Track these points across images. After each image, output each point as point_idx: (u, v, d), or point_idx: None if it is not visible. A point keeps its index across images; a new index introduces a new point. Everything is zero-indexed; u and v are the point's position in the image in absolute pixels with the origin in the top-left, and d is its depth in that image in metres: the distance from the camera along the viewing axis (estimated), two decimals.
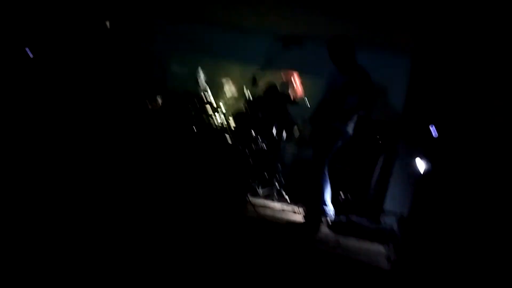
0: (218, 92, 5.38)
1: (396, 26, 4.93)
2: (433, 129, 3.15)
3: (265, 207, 4.30)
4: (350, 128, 3.90)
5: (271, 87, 5.25)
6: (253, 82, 4.79)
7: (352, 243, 3.70)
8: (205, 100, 4.93)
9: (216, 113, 5.00)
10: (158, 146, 4.54)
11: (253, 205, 4.14)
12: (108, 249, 2.55)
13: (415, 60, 4.50)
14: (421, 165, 3.27)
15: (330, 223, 3.99)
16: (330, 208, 4.02)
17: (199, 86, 4.95)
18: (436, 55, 4.04)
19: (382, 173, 4.60)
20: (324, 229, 3.92)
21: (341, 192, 4.41)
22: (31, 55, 4.86)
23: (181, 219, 3.31)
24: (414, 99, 4.17)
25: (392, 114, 4.96)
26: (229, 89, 5.34)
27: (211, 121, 4.94)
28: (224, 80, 5.41)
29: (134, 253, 2.59)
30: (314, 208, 3.95)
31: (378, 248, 3.67)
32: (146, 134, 4.62)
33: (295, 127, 5.00)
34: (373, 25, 5.06)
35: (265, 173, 4.80)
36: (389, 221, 4.11)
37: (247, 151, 4.56)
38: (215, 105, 4.97)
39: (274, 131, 4.85)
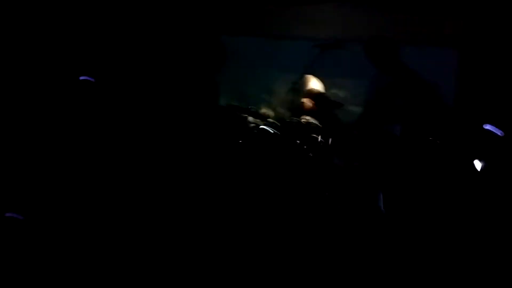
0: (262, 103, 5.40)
1: (441, 17, 4.68)
2: (493, 128, 2.95)
3: (314, 215, 4.21)
4: (398, 130, 3.76)
5: (313, 94, 5.20)
6: (295, 90, 4.74)
7: None
8: (253, 112, 4.95)
9: (264, 125, 5.00)
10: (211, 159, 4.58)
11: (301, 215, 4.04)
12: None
13: (464, 52, 4.27)
14: (479, 166, 3.08)
15: None
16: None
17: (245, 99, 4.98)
18: (488, 45, 3.84)
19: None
20: None
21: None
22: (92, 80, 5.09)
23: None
24: (466, 95, 3.96)
25: (443, 112, 4.73)
26: (274, 99, 5.34)
27: (261, 132, 4.94)
28: (267, 91, 5.42)
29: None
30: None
31: None
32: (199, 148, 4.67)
33: (343, 134, 4.89)
34: (416, 20, 4.86)
35: (315, 184, 4.71)
36: None
37: (296, 161, 4.51)
38: (262, 116, 4.97)
39: (319, 138, 4.77)
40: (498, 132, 2.88)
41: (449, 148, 4.32)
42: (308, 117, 4.73)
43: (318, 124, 4.79)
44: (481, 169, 3.21)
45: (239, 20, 5.82)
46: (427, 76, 4.67)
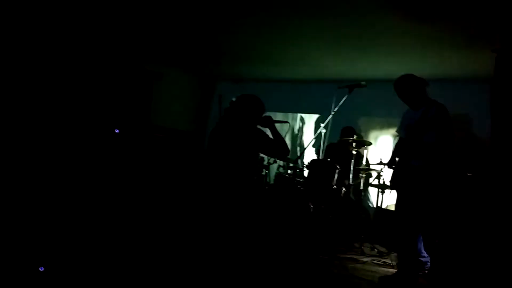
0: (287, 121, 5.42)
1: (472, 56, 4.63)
2: None
3: (353, 261, 4.05)
4: (433, 167, 3.61)
5: (345, 133, 5.17)
6: (323, 130, 4.72)
7: None
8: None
9: (291, 168, 4.98)
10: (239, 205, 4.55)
11: (341, 261, 3.89)
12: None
13: (495, 88, 4.18)
14: None
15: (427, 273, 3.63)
16: (426, 257, 3.68)
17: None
18: None
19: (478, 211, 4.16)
20: (421, 281, 3.56)
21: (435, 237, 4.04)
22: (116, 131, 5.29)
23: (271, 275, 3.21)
24: (500, 128, 3.83)
25: (476, 146, 4.59)
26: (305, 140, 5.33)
27: (287, 175, 4.92)
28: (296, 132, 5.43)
29: None
30: (409, 260, 3.62)
31: None
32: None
33: (373, 172, 4.81)
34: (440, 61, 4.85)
35: (349, 225, 4.58)
36: None
37: (327, 205, 4.41)
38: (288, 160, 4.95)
39: (350, 179, 4.67)
40: None
41: (486, 182, 4.14)
42: (337, 157, 4.69)
43: (347, 164, 4.74)
44: None
45: (266, 66, 6.01)
46: (458, 110, 4.60)
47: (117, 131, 5.32)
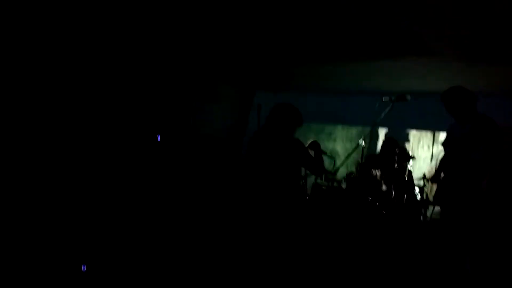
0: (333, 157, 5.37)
1: None
2: None
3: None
4: (484, 184, 3.48)
5: (387, 146, 5.06)
6: (366, 142, 4.65)
7: None
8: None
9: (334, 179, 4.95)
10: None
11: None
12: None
13: None
14: None
15: None
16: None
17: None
18: None
19: None
20: None
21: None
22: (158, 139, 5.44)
23: None
24: None
25: None
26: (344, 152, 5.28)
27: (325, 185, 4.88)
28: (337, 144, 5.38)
29: None
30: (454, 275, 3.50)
31: None
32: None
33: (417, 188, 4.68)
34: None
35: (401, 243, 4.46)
36: None
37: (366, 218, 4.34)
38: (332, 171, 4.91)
39: (393, 193, 4.57)
40: None
41: None
42: (378, 172, 4.59)
43: (391, 178, 4.63)
44: None
45: (309, 78, 6.00)
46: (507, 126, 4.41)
47: (158, 138, 5.46)
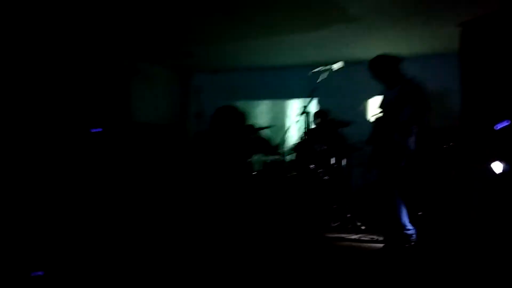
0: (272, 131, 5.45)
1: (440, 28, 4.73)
2: (502, 124, 2.91)
3: (341, 240, 4.16)
4: (411, 142, 3.72)
5: (320, 115, 5.24)
6: (302, 115, 4.77)
7: None
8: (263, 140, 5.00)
9: (274, 152, 5.04)
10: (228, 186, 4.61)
11: (328, 240, 4.00)
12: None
13: (464, 61, 4.29)
14: (498, 167, 3.02)
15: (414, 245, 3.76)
16: (411, 230, 3.80)
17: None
18: (483, 52, 3.87)
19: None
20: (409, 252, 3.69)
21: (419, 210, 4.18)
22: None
23: (258, 255, 3.29)
24: (470, 100, 3.95)
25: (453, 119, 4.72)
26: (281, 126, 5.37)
27: (271, 160, 4.98)
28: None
29: None
30: (394, 233, 3.74)
31: None
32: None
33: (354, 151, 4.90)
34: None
35: (335, 205, 4.68)
36: None
37: (311, 186, 4.49)
38: (272, 144, 5.01)
39: (333, 160, 4.76)
40: (506, 123, 2.85)
41: (464, 153, 4.28)
42: (317, 140, 4.75)
43: (328, 145, 4.82)
44: (502, 171, 3.16)
45: (243, 54, 6.00)
46: (432, 85, 4.70)
47: (96, 130, 5.26)
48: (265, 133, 5.13)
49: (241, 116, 4.13)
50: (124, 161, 5.32)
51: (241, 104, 4.99)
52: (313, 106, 4.87)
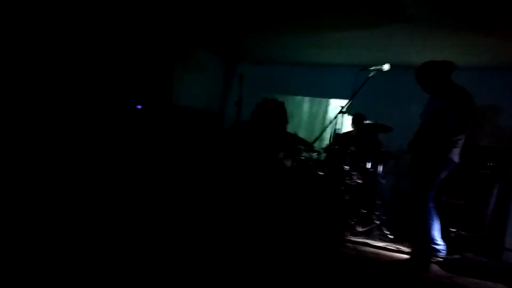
0: (308, 129, 5.38)
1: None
2: None
3: (366, 246, 4.06)
4: (454, 155, 3.55)
5: (358, 119, 5.10)
6: (342, 115, 4.67)
7: (470, 284, 3.28)
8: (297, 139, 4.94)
9: (308, 151, 4.98)
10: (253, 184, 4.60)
11: (353, 244, 3.92)
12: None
13: None
14: None
15: (442, 261, 3.62)
16: (441, 245, 3.66)
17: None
18: None
19: (499, 204, 4.08)
20: (435, 268, 3.54)
21: (452, 227, 4.01)
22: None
23: (279, 258, 3.26)
24: None
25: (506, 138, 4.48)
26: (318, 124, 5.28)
27: (304, 159, 4.92)
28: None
29: None
30: (422, 246, 3.61)
31: None
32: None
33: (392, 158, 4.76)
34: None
35: (364, 210, 4.57)
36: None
37: (342, 187, 4.40)
38: (307, 143, 4.94)
39: (368, 164, 4.64)
40: None
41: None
42: (352, 147, 4.64)
43: (365, 149, 4.69)
44: None
45: (290, 49, 5.95)
46: (486, 98, 4.47)
47: (139, 107, 5.39)
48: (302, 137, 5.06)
49: (285, 112, 4.10)
50: (158, 141, 5.41)
51: (280, 98, 4.95)
52: (352, 108, 4.74)
